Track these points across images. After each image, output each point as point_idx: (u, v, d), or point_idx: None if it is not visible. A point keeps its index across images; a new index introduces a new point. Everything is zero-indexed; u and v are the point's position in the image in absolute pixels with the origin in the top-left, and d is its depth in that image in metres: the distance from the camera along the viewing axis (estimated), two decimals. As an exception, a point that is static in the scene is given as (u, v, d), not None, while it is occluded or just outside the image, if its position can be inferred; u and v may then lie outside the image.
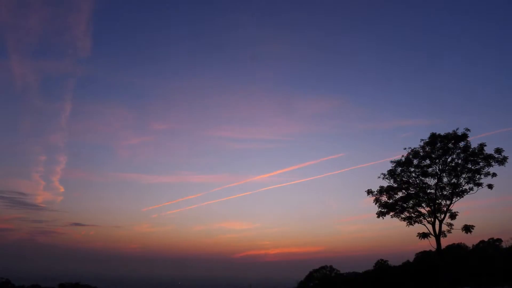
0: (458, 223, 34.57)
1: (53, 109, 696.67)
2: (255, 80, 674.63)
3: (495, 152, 33.46)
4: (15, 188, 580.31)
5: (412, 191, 36.14)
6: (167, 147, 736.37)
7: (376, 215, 36.93)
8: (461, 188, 34.48)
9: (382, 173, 37.12)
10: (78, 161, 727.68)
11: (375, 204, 36.93)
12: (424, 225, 35.45)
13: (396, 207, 36.36)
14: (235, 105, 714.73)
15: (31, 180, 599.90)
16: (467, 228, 33.82)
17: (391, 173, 36.68)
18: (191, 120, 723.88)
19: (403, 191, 36.50)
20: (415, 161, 35.83)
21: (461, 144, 34.18)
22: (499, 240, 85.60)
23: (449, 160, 34.87)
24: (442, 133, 34.92)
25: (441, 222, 34.57)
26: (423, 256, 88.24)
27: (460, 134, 34.10)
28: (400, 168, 36.45)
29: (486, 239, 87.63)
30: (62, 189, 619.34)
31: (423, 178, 35.69)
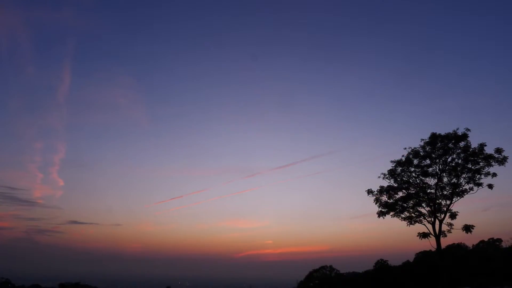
0: (458, 223, 34.62)
1: (49, 78, 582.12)
2: (258, 72, 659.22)
3: (495, 152, 33.48)
4: (9, 181, 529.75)
5: (412, 191, 36.17)
6: (176, 135, 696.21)
7: (377, 215, 37.00)
8: (461, 188, 34.50)
9: (382, 173, 37.23)
10: (79, 149, 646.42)
11: (376, 204, 36.98)
12: (424, 225, 35.50)
13: (396, 207, 36.37)
14: (240, 98, 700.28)
15: (27, 172, 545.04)
16: (467, 228, 33.80)
17: (391, 173, 36.71)
18: (197, 106, 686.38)
19: (403, 191, 36.53)
20: (415, 161, 35.85)
21: (461, 144, 34.20)
22: (499, 240, 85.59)
23: (449, 160, 34.88)
24: (442, 133, 34.99)
25: (441, 222, 34.59)
26: (423, 256, 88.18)
27: (460, 134, 34.12)
28: (400, 168, 36.47)
29: (486, 239, 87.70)
30: (61, 183, 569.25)
31: (423, 178, 35.71)
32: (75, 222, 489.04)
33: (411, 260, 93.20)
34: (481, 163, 33.84)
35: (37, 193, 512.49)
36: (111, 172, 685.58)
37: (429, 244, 34.78)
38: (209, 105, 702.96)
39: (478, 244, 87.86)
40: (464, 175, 34.39)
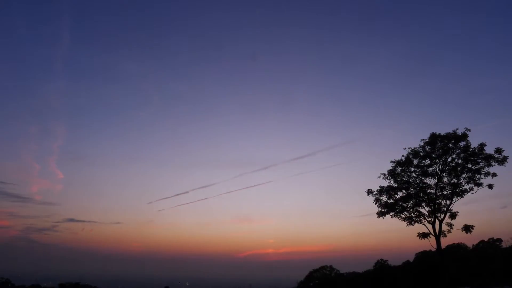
0: (458, 223, 34.58)
1: (44, 41, 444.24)
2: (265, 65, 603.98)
3: (495, 152, 33.42)
4: (2, 174, 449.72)
5: (412, 191, 36.09)
6: (183, 125, 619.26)
7: (376, 215, 36.95)
8: (461, 188, 34.44)
9: (382, 173, 37.16)
10: (80, 134, 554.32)
11: (375, 204, 36.93)
12: (424, 225, 35.43)
13: (396, 207, 36.33)
14: (243, 92, 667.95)
15: (22, 163, 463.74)
16: (467, 228, 33.76)
17: (391, 173, 36.65)
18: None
19: (403, 191, 36.46)
20: (415, 161, 35.77)
21: (461, 144, 34.14)
22: (499, 240, 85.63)
23: (449, 160, 34.82)
24: (442, 133, 34.95)
25: (441, 222, 34.54)
26: (423, 256, 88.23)
27: (460, 134, 34.08)
28: (400, 168, 36.42)
29: (486, 239, 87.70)
30: (61, 175, 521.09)
31: (423, 178, 35.64)
32: (73, 220, 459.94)
33: (411, 260, 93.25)
34: (481, 163, 33.79)
35: (34, 188, 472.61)
36: (111, 165, 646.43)
37: (429, 244, 34.76)
38: (217, 92, 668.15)
39: (478, 244, 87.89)
40: (464, 175, 34.34)
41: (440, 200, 35.10)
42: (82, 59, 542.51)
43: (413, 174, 36.06)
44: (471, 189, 34.18)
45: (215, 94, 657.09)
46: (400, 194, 36.53)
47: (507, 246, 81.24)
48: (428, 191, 35.51)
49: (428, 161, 35.39)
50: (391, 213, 36.61)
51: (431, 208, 35.17)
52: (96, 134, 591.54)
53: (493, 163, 33.33)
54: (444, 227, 34.68)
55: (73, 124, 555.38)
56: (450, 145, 34.41)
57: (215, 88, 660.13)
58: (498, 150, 33.33)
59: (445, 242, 48.79)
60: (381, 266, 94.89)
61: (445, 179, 35.13)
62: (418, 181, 35.92)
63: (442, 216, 34.69)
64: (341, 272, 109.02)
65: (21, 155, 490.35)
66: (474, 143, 34.05)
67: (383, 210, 36.58)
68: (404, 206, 36.17)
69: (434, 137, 34.99)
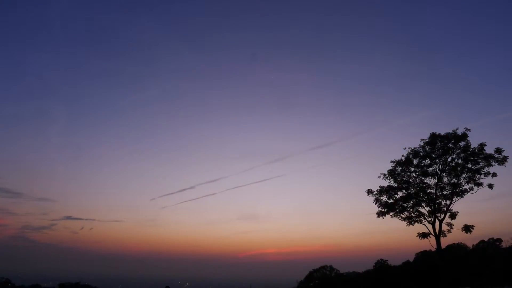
0: (458, 223, 34.58)
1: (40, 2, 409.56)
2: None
3: (495, 152, 33.42)
4: None
5: (412, 191, 36.13)
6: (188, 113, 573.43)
7: (376, 215, 36.96)
8: (461, 188, 34.46)
9: (382, 173, 37.19)
10: (80, 119, 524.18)
11: (375, 204, 36.94)
12: (424, 225, 35.47)
13: (396, 207, 36.34)
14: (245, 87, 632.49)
15: (15, 153, 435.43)
16: (467, 228, 33.78)
17: (391, 173, 36.67)
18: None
19: (403, 191, 36.49)
20: (415, 161, 35.80)
21: (461, 143, 34.15)
22: (499, 240, 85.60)
23: (449, 160, 34.83)
24: (442, 133, 34.96)
25: (441, 222, 34.56)
26: (423, 256, 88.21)
27: (460, 134, 34.08)
28: (400, 168, 36.44)
29: (486, 239, 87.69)
30: (59, 169, 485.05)
31: (423, 178, 35.67)
32: (70, 217, 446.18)
33: (411, 260, 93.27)
34: (481, 163, 33.79)
35: (29, 183, 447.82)
36: (112, 158, 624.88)
37: (429, 244, 34.80)
38: (223, 83, 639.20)
39: (478, 244, 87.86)
40: (464, 175, 34.35)
41: (440, 200, 35.14)
42: (81, 23, 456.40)
43: (413, 174, 36.09)
44: (471, 189, 34.24)
45: (222, 85, 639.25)
46: (400, 194, 36.61)
47: (507, 246, 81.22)
48: (428, 191, 35.56)
49: (428, 161, 35.42)
50: (391, 213, 36.66)
51: (431, 208, 35.20)
52: (96, 122, 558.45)
53: (493, 163, 33.35)
54: (444, 227, 34.75)
55: (73, 107, 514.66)
56: (450, 145, 34.43)
57: (221, 79, 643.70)
58: (498, 150, 33.34)
59: (445, 242, 48.76)
60: (381, 266, 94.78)
61: (445, 179, 35.18)
62: (418, 181, 35.95)
63: (442, 216, 34.71)
64: (341, 272, 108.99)
65: (16, 145, 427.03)
66: (474, 142, 34.15)
67: (383, 210, 36.64)
68: (404, 206, 36.20)
69: (434, 137, 35.00)
